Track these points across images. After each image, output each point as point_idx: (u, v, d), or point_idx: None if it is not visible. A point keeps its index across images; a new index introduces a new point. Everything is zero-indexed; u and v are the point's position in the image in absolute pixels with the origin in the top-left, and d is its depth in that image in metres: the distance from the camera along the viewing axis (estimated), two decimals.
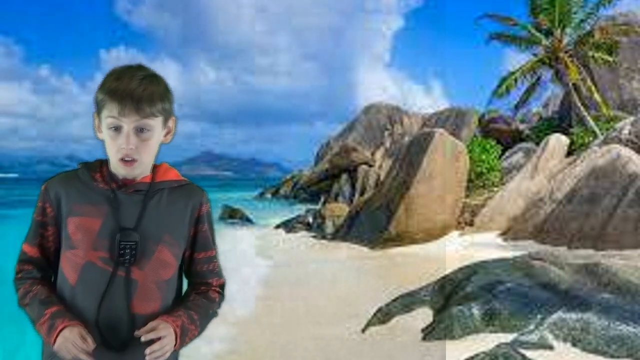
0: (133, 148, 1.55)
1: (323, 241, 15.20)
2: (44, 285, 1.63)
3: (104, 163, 1.65)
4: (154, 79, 1.58)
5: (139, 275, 1.57)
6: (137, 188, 1.62)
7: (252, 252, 13.60)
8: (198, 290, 1.72)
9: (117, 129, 1.54)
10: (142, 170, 1.62)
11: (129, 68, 1.58)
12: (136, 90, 1.52)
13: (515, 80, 21.81)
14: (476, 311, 5.87)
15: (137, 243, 1.56)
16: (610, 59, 20.78)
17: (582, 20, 21.60)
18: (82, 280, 1.56)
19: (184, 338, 1.58)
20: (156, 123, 1.58)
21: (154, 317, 1.58)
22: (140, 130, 1.55)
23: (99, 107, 1.57)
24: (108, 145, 1.58)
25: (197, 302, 1.68)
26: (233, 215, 22.41)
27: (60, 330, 1.50)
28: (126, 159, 1.56)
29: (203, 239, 1.71)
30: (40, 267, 1.64)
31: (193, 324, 1.61)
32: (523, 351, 4.92)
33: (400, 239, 13.27)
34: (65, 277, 1.59)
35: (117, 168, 1.60)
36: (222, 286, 1.77)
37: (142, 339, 1.51)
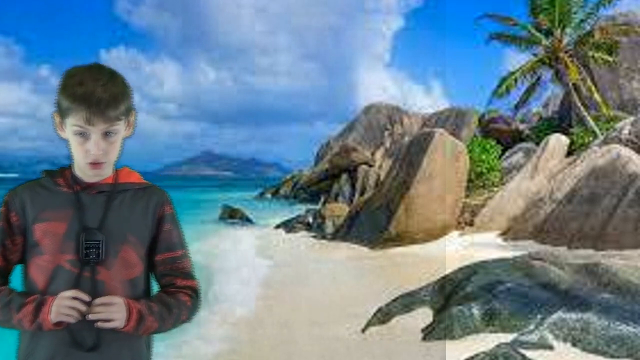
0: (102, 153, 1.59)
1: (323, 241, 15.20)
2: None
3: (66, 168, 1.68)
4: (114, 80, 1.60)
5: (106, 276, 1.59)
6: (101, 189, 1.65)
7: (252, 252, 13.60)
8: (167, 292, 1.71)
9: (83, 134, 1.57)
10: (107, 171, 1.66)
11: (89, 70, 1.59)
12: (102, 98, 1.54)
13: (515, 80, 21.81)
14: (476, 311, 5.87)
15: (102, 242, 1.58)
16: (610, 59, 20.78)
17: (582, 20, 21.61)
18: (51, 285, 1.57)
19: (140, 324, 1.57)
20: (121, 126, 1.62)
21: None
22: (107, 135, 1.59)
23: (62, 112, 1.59)
24: (74, 148, 1.60)
25: (161, 298, 1.67)
26: (233, 215, 22.41)
27: (51, 302, 1.52)
28: (95, 162, 1.60)
29: (166, 239, 1.71)
30: (1, 275, 1.64)
31: (152, 316, 1.59)
32: (523, 351, 4.92)
33: (400, 239, 13.27)
34: (34, 282, 1.60)
35: (84, 170, 1.63)
36: (192, 289, 1.72)
37: (90, 316, 1.52)
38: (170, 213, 1.72)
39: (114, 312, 1.53)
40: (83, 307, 1.51)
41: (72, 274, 1.57)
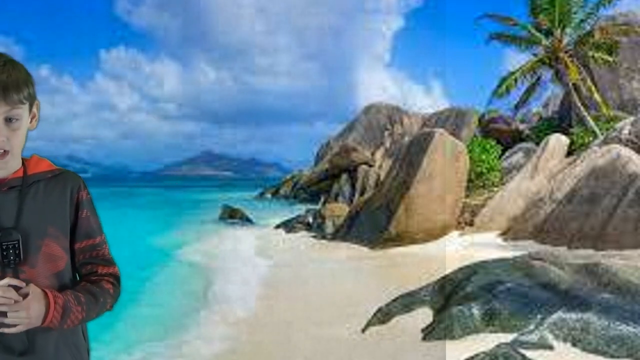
0: (4, 140, 1.50)
1: (323, 241, 15.20)
2: None
3: None
4: (15, 65, 1.53)
5: (31, 274, 1.52)
6: (11, 184, 1.56)
7: (252, 252, 13.61)
8: (89, 280, 1.66)
9: None
10: (13, 163, 1.57)
11: None
12: (1, 78, 1.47)
13: (515, 80, 21.80)
14: (476, 311, 5.87)
15: (19, 241, 1.51)
16: (610, 59, 20.76)
17: (582, 20, 21.59)
18: None
19: (65, 317, 1.51)
20: (24, 111, 1.53)
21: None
22: (9, 120, 1.50)
23: None
24: None
25: (86, 287, 1.61)
26: (233, 215, 22.42)
27: None
28: None
29: (85, 226, 1.65)
30: None
31: (79, 306, 1.54)
32: (523, 351, 4.92)
33: (400, 239, 13.27)
34: None
35: None
36: (114, 276, 1.68)
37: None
38: (87, 198, 1.66)
39: (19, 317, 1.44)
40: (16, 296, 1.43)
41: None
